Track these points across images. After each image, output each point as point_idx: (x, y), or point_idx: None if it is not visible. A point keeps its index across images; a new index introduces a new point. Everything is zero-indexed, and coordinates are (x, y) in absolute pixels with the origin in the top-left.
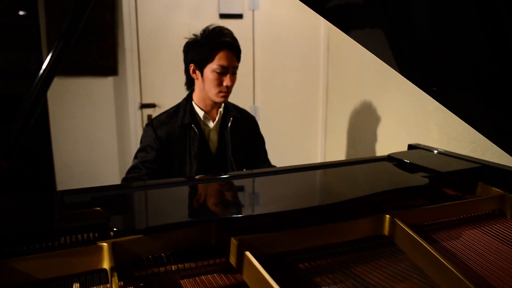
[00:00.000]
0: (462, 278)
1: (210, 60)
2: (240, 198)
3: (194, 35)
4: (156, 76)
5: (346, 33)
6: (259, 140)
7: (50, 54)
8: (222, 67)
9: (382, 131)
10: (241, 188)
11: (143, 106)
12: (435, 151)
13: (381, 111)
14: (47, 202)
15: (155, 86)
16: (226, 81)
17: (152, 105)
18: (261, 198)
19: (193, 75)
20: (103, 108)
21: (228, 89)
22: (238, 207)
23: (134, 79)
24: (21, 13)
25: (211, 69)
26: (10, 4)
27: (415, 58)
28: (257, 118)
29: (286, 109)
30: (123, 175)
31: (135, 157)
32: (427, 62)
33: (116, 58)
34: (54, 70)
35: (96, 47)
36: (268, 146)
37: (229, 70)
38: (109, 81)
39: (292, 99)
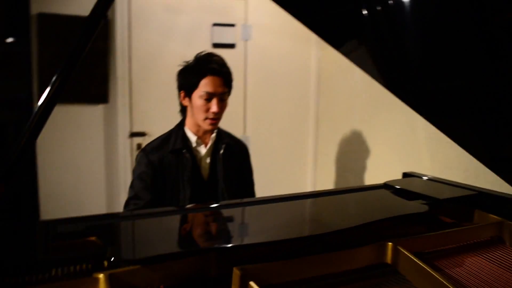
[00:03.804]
0: None
1: (196, 86)
2: (242, 226)
3: (185, 62)
4: (147, 105)
5: (337, 50)
6: (249, 170)
7: (54, 78)
8: (207, 93)
9: (373, 160)
10: (242, 217)
11: (133, 134)
12: (431, 179)
13: (371, 140)
14: (32, 232)
15: (146, 115)
16: (213, 108)
17: (142, 134)
18: (263, 227)
19: (184, 102)
20: (91, 136)
21: (216, 116)
22: (240, 235)
23: (125, 107)
24: (10, 40)
25: (197, 96)
26: (0, 30)
27: (408, 83)
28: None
29: (277, 138)
30: (111, 205)
31: (131, 186)
32: (421, 89)
33: (108, 85)
34: (57, 94)
35: (88, 74)
36: (259, 176)
37: (215, 96)
38: (99, 109)
39: (283, 129)
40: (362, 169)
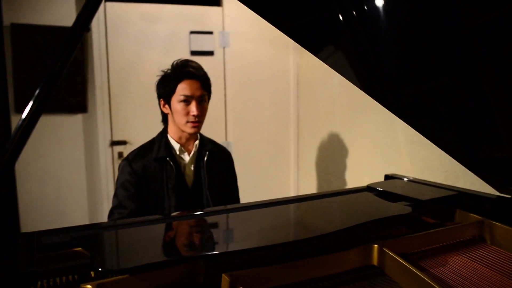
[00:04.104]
0: None
1: (174, 91)
2: (229, 233)
3: (162, 71)
4: (127, 113)
5: (315, 55)
6: (233, 176)
7: (38, 91)
8: (185, 96)
9: (354, 163)
10: (229, 223)
11: (114, 143)
12: (412, 181)
13: (352, 143)
14: (14, 244)
15: (126, 123)
16: (192, 110)
17: (123, 142)
18: (250, 232)
19: (164, 110)
20: (71, 146)
21: (197, 119)
22: (227, 242)
23: (105, 116)
24: None
25: (176, 100)
26: None
27: (386, 85)
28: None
29: (259, 143)
30: (93, 215)
31: (115, 195)
32: (398, 91)
33: (86, 95)
34: (42, 106)
35: (65, 83)
36: (241, 181)
37: (194, 99)
38: (78, 118)
39: (264, 134)
40: (344, 172)
